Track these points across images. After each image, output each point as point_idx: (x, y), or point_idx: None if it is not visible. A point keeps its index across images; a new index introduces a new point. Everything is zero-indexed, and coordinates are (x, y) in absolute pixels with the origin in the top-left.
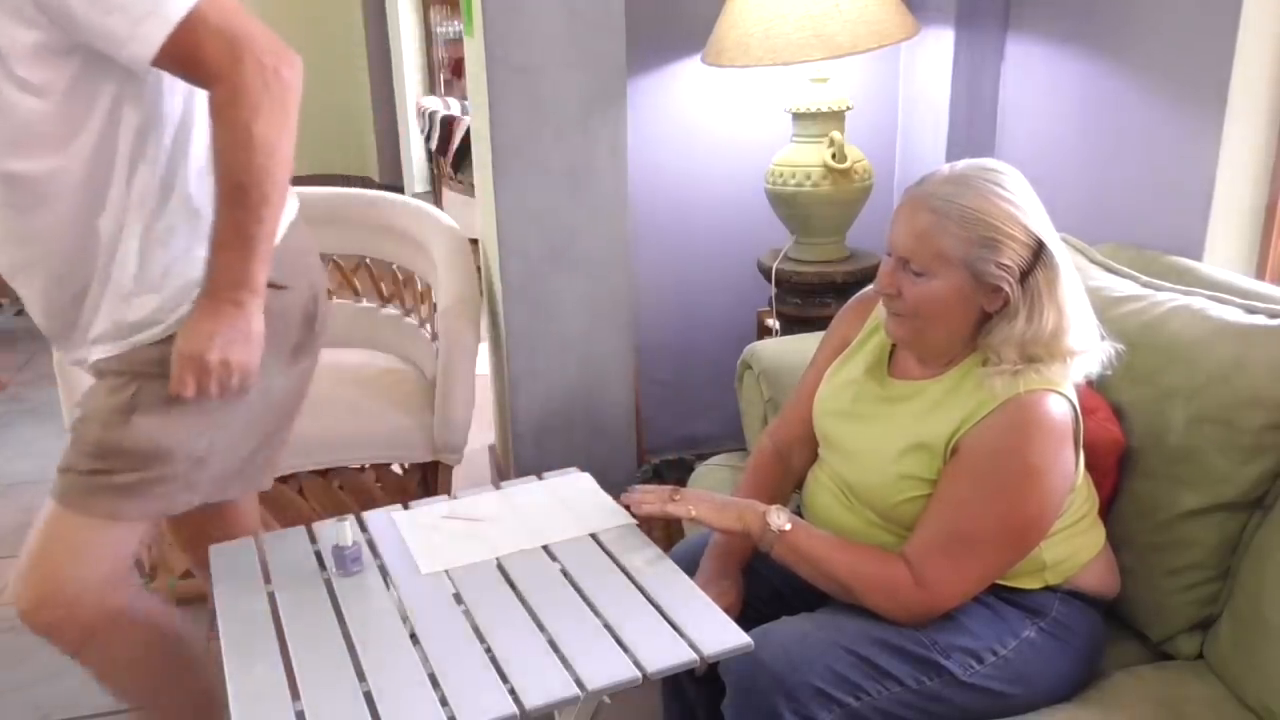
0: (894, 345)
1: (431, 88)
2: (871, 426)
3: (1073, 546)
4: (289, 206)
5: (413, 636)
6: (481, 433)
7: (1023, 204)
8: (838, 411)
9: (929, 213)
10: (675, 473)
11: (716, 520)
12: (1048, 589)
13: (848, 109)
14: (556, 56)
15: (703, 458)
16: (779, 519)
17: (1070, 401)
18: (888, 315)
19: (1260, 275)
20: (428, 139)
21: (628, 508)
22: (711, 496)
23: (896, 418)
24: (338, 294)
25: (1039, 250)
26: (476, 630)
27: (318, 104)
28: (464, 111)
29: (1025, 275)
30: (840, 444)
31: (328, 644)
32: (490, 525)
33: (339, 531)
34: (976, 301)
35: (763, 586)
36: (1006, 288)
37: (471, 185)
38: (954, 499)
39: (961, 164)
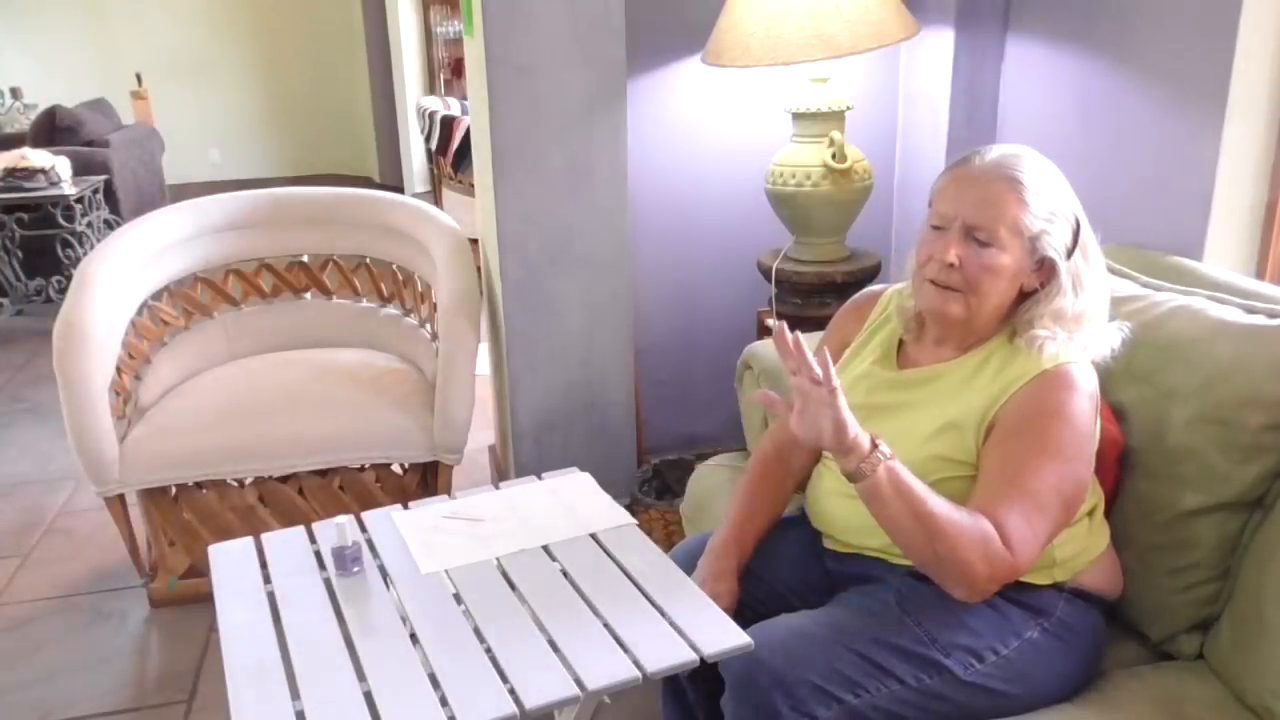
0: (900, 338)
1: (431, 88)
2: (896, 414)
3: (1081, 543)
4: None
5: (413, 636)
6: (481, 433)
7: (1066, 185)
8: (855, 406)
9: (1004, 183)
10: (675, 473)
11: (844, 420)
12: (1054, 587)
13: (848, 109)
14: (556, 56)
15: (703, 458)
16: (886, 446)
17: (1093, 374)
18: (936, 291)
19: (1260, 275)
20: (428, 139)
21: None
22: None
23: (924, 401)
24: (338, 294)
25: (1078, 229)
26: (476, 630)
27: (318, 104)
28: (464, 111)
29: (1070, 252)
30: None
31: (328, 644)
32: (490, 525)
33: (339, 531)
34: (1021, 278)
35: (762, 588)
36: (1058, 263)
37: (471, 185)
38: (1011, 462)
39: (1007, 146)
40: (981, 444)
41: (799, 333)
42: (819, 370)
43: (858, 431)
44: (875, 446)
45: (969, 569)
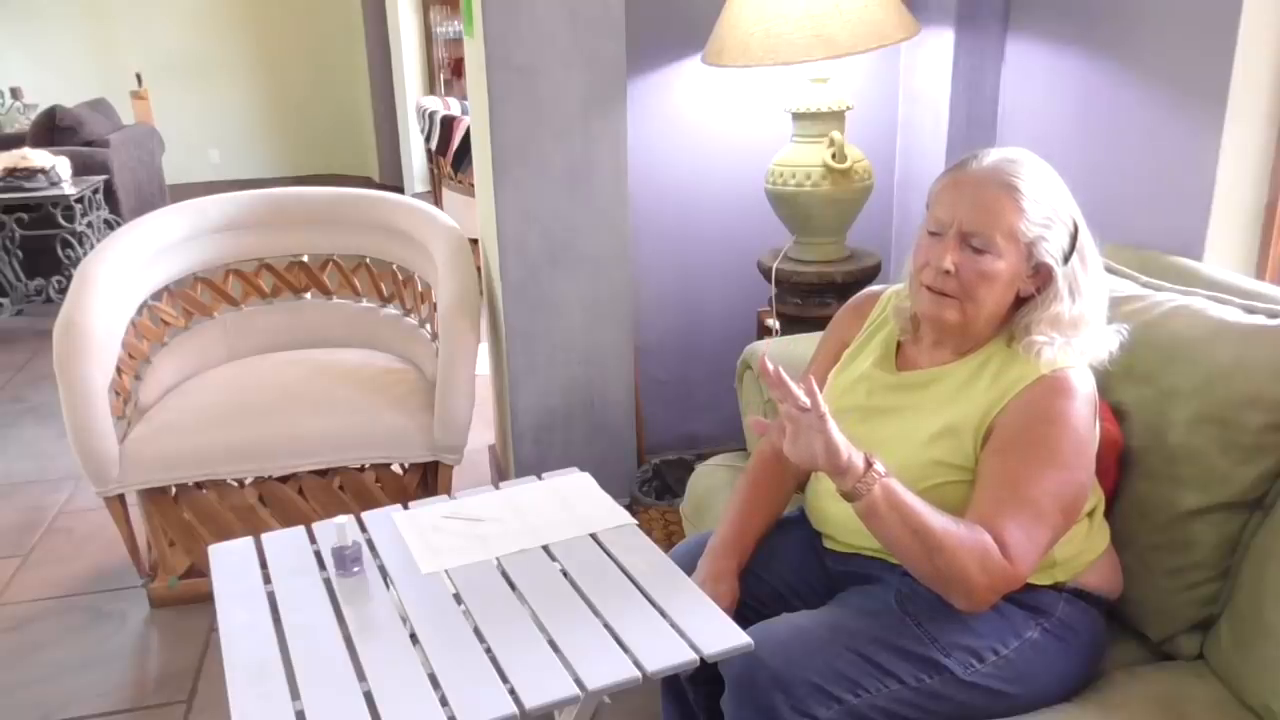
0: (899, 340)
1: (431, 88)
2: (895, 417)
3: (1081, 544)
4: None
5: (413, 636)
6: (481, 433)
7: (1064, 189)
8: (854, 408)
9: (1001, 189)
10: (675, 472)
11: (835, 444)
12: (1054, 587)
13: (848, 109)
14: (556, 56)
15: (703, 458)
16: (880, 464)
17: (1091, 378)
18: (932, 297)
19: (1260, 275)
20: (428, 139)
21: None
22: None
23: (923, 405)
24: (338, 294)
25: (1075, 233)
26: (476, 630)
27: (318, 104)
28: (464, 111)
29: (1067, 258)
30: (862, 440)
31: (328, 644)
32: (490, 525)
33: (339, 531)
34: (1017, 284)
35: (763, 588)
36: (1055, 269)
37: (471, 185)
38: (1009, 470)
39: (1005, 150)
40: (979, 449)
41: (779, 352)
42: (805, 399)
43: (851, 452)
44: (870, 465)
45: (968, 581)
